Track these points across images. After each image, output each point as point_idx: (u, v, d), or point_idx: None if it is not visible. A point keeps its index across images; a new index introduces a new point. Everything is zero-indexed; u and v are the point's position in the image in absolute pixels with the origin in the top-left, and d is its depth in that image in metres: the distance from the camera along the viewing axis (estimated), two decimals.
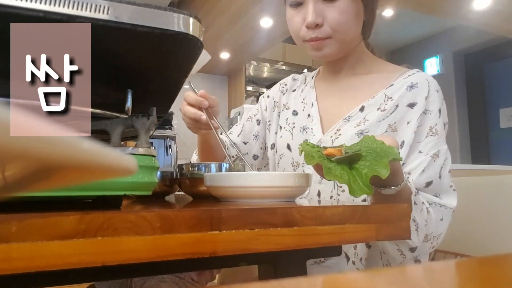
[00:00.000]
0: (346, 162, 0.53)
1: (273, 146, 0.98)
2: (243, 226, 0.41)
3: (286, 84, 1.03)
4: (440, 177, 0.75)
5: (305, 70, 4.41)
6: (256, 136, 1.02)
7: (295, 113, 0.95)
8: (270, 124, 1.01)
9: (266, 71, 4.59)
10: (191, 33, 0.43)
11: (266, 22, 3.13)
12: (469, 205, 0.98)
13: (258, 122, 1.02)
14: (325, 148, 0.57)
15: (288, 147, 0.91)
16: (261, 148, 1.02)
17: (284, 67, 4.51)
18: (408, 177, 0.74)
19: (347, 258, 0.79)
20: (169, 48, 0.46)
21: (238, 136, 1.03)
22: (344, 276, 0.27)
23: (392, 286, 0.20)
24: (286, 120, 0.96)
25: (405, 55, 4.85)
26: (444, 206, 0.73)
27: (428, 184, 0.74)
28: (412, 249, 0.71)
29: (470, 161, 4.42)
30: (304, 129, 0.90)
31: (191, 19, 0.43)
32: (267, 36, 3.38)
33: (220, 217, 0.40)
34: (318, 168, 0.55)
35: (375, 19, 0.88)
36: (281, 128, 0.97)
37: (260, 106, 1.04)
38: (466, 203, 0.99)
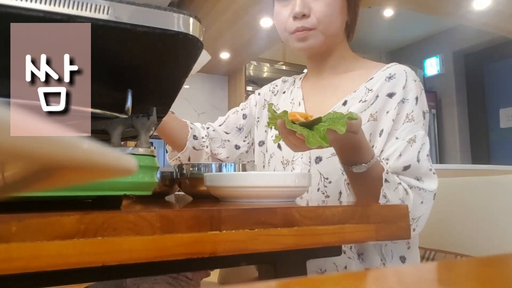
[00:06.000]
0: (308, 126, 0.59)
1: (262, 143, 1.02)
2: (243, 226, 0.41)
3: (276, 85, 1.07)
4: (418, 161, 0.76)
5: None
6: (239, 129, 1.06)
7: None
8: (258, 121, 1.05)
9: (266, 71, 4.59)
10: (191, 33, 0.43)
11: (266, 22, 3.13)
12: (469, 205, 0.98)
13: (244, 116, 1.07)
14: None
15: (279, 146, 0.94)
16: (244, 140, 1.06)
17: (284, 67, 4.50)
18: (379, 156, 0.78)
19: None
20: (169, 48, 0.46)
21: (221, 125, 1.07)
22: (344, 276, 0.27)
23: (392, 286, 0.20)
24: None
25: (405, 55, 4.84)
26: (424, 189, 0.75)
27: (406, 168, 0.75)
28: None
29: (470, 161, 4.42)
30: None
31: (191, 19, 0.43)
32: (267, 36, 3.38)
33: (220, 217, 0.40)
34: (281, 125, 0.61)
35: (357, 21, 0.93)
36: (271, 128, 0.99)
37: (249, 102, 1.09)
38: (466, 203, 0.99)
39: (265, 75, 4.64)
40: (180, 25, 0.42)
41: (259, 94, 1.08)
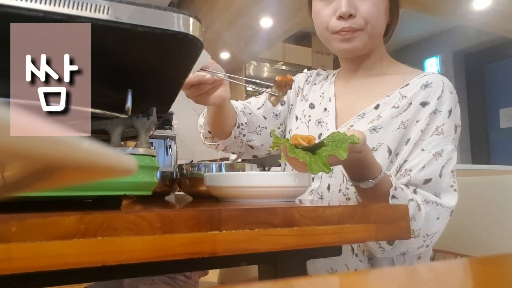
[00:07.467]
0: (311, 150, 0.58)
1: (290, 132, 0.99)
2: (243, 226, 0.41)
3: (311, 75, 1.04)
4: (440, 176, 0.75)
5: (305, 70, 4.40)
6: (276, 115, 1.02)
7: (312, 106, 0.97)
8: (292, 108, 1.02)
9: (266, 71, 4.59)
10: (191, 33, 0.43)
11: (266, 22, 3.13)
12: (469, 205, 0.98)
13: (283, 102, 1.02)
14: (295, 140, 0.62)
15: None
16: (278, 128, 1.02)
17: (284, 67, 4.50)
18: (401, 165, 0.76)
19: (352, 250, 0.79)
20: (169, 48, 0.46)
21: (259, 109, 1.02)
22: (344, 276, 0.27)
23: (392, 286, 0.20)
24: (303, 111, 0.97)
25: (405, 55, 4.84)
26: (441, 205, 0.74)
27: (427, 181, 0.74)
28: (390, 242, 0.71)
29: (470, 161, 4.42)
30: (319, 122, 0.92)
31: (191, 19, 0.43)
32: (267, 36, 3.39)
33: (220, 217, 0.40)
34: (284, 150, 0.59)
35: (397, 22, 0.90)
36: (297, 119, 0.98)
37: None
38: (466, 203, 0.99)
39: (265, 75, 4.64)
40: (180, 25, 0.42)
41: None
